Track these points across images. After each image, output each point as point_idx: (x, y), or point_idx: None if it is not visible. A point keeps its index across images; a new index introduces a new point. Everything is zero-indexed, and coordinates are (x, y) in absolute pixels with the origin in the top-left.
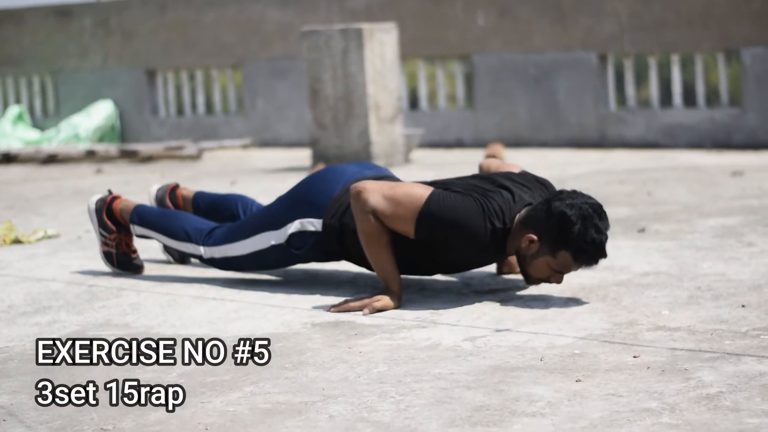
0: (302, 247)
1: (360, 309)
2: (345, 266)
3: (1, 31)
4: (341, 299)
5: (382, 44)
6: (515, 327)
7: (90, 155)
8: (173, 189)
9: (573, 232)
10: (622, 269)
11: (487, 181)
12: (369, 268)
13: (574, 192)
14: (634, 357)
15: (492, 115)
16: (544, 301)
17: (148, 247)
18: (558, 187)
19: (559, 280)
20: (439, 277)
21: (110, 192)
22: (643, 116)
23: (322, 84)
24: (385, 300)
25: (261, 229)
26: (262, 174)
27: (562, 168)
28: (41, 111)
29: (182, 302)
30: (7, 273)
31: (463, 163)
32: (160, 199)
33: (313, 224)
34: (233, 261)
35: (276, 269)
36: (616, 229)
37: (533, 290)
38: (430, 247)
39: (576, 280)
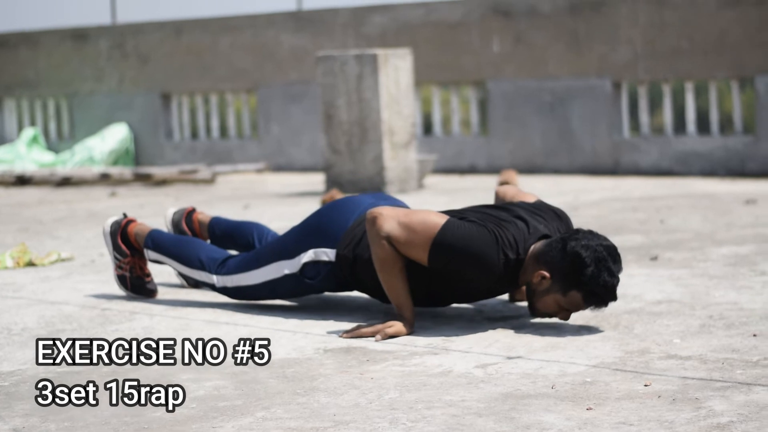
0: (316, 276)
1: (372, 335)
2: (357, 293)
3: (17, 53)
4: (353, 325)
5: (396, 70)
6: (527, 354)
7: (104, 178)
8: (189, 213)
9: (586, 275)
10: (635, 297)
11: (502, 211)
12: (382, 299)
13: (590, 232)
14: (646, 385)
15: (506, 141)
16: (556, 329)
17: (162, 272)
18: (571, 214)
19: (566, 318)
20: None
21: (125, 215)
22: (656, 143)
23: (336, 109)
24: (397, 326)
25: (274, 259)
26: (276, 198)
27: (576, 195)
28: (56, 133)
29: (195, 327)
30: (21, 296)
31: (477, 189)
32: (176, 223)
33: (327, 254)
34: (246, 290)
35: (288, 298)
36: (629, 256)
37: (545, 318)
38: (444, 277)
39: None
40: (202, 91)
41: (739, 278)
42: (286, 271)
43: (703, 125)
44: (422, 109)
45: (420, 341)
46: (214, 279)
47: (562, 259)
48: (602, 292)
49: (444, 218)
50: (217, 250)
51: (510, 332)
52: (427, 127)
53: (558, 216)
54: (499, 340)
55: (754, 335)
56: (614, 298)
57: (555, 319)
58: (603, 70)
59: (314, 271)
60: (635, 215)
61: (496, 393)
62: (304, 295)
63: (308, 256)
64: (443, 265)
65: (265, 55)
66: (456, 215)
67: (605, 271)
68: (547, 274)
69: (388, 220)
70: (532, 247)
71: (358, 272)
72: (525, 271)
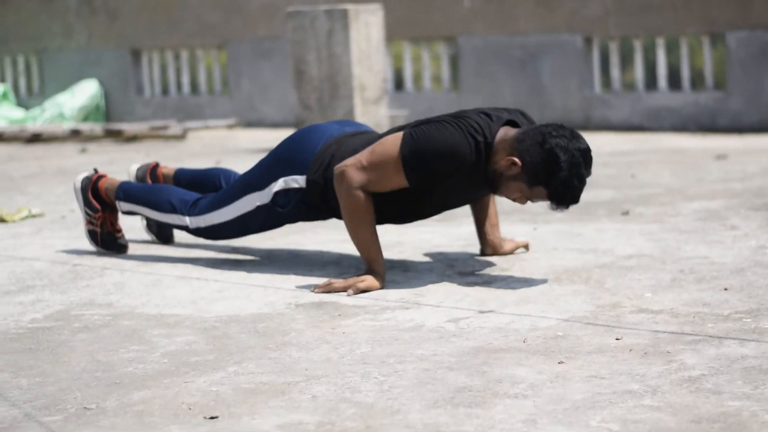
0: (287, 204)
1: (344, 289)
2: (329, 246)
3: None
4: (325, 279)
5: (367, 25)
6: (498, 309)
7: (74, 134)
8: (153, 168)
9: (558, 177)
10: (606, 252)
11: (461, 112)
12: None
13: (572, 132)
14: (617, 339)
15: (477, 97)
16: (528, 283)
17: (133, 227)
18: None
19: (522, 203)
20: (422, 258)
21: (96, 170)
22: (627, 99)
23: (306, 65)
24: (369, 280)
25: (245, 192)
26: (247, 154)
27: None
28: (26, 90)
29: (166, 282)
30: None
31: None
32: (140, 179)
33: (297, 181)
34: (219, 229)
35: (262, 232)
36: (600, 211)
37: (517, 272)
38: (429, 187)
39: (559, 263)
40: (172, 47)
41: (709, 233)
42: (258, 203)
43: (674, 81)
44: (393, 64)
45: (391, 296)
46: (187, 221)
47: (537, 153)
48: (569, 196)
49: (399, 136)
50: (188, 192)
51: (481, 287)
52: (399, 83)
53: (522, 114)
54: (470, 294)
55: (725, 289)
56: (576, 202)
57: (526, 273)
58: (574, 26)
59: (285, 200)
60: (606, 170)
61: (468, 347)
62: (276, 227)
63: (279, 185)
64: (422, 175)
65: (234, 11)
66: (413, 125)
67: (576, 177)
68: (518, 161)
69: (354, 169)
70: (503, 133)
71: (328, 196)
72: (496, 156)
